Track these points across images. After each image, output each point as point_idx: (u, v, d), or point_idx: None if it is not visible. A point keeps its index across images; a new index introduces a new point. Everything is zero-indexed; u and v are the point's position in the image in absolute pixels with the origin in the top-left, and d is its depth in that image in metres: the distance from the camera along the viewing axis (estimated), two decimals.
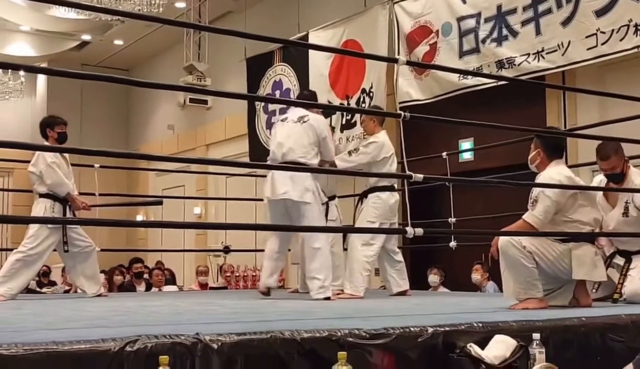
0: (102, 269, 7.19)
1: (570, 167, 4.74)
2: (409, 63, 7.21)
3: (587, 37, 6.36)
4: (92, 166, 6.78)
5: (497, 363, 2.60)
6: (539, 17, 6.78)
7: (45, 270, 10.34)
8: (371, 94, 8.42)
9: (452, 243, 6.60)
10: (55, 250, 5.78)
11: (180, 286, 10.01)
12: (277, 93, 9.81)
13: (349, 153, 5.88)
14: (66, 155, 5.88)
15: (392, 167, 5.79)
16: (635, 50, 6.02)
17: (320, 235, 5.20)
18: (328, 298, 5.02)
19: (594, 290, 4.37)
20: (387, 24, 8.29)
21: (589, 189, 4.35)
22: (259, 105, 10.33)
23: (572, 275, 3.95)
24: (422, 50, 7.97)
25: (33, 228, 5.67)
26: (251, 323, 2.93)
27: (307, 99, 5.79)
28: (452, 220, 6.72)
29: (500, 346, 2.67)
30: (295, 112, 5.52)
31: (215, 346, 2.23)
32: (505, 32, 7.08)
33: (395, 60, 5.16)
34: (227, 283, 8.71)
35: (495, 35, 7.18)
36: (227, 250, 8.37)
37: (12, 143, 3.20)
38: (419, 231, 3.50)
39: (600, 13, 6.26)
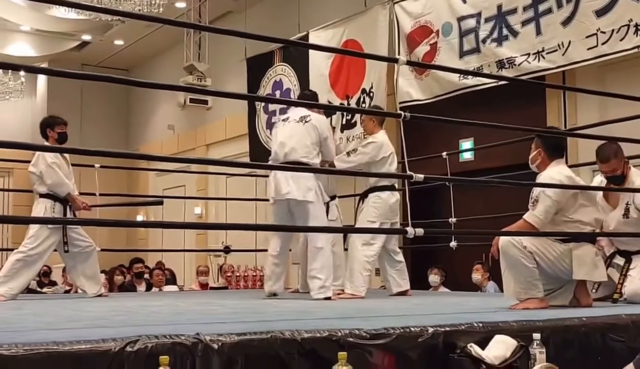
0: (102, 269, 7.19)
1: (570, 166, 4.73)
2: (409, 63, 7.21)
3: (587, 37, 6.36)
4: (93, 166, 6.78)
5: (497, 363, 2.60)
6: (539, 17, 6.78)
7: (45, 270, 10.34)
8: (371, 94, 8.42)
9: (453, 243, 6.59)
10: (55, 250, 5.78)
11: (180, 286, 10.01)
12: (278, 93, 9.81)
13: (348, 153, 5.88)
14: (66, 155, 5.88)
15: (392, 166, 5.78)
16: (636, 50, 6.02)
17: (322, 234, 5.20)
18: (328, 298, 5.02)
19: (593, 290, 4.37)
20: (388, 24, 8.29)
21: (589, 189, 4.35)
22: (259, 105, 10.33)
23: (572, 275, 3.95)
24: (422, 50, 7.97)
25: (33, 228, 5.67)
26: (251, 323, 2.93)
27: (309, 99, 5.78)
28: (452, 220, 6.72)
29: (501, 346, 2.67)
30: (296, 112, 5.51)
31: (215, 346, 2.23)
32: (505, 32, 7.08)
33: (396, 60, 5.16)
34: (228, 283, 8.70)
35: (495, 35, 7.18)
36: (227, 250, 8.36)
37: (13, 143, 3.20)
38: (420, 231, 3.50)
39: (600, 13, 6.26)
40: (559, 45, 6.59)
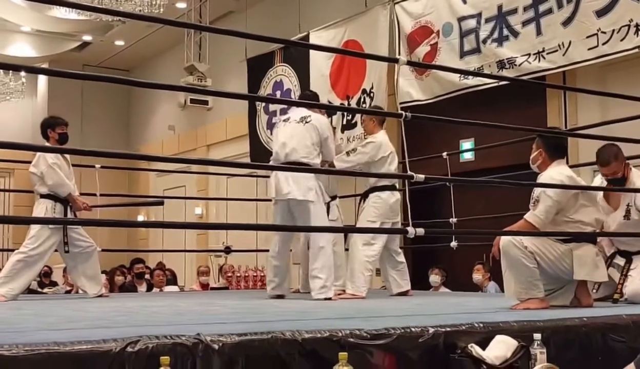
0: (103, 269, 7.19)
1: (571, 167, 4.73)
2: (409, 63, 7.22)
3: (588, 37, 6.36)
4: (93, 166, 6.79)
5: (498, 364, 2.60)
6: (540, 17, 6.78)
7: (46, 271, 10.35)
8: (372, 94, 8.43)
9: (453, 243, 6.59)
10: (56, 251, 5.78)
11: (181, 287, 10.01)
12: (278, 93, 9.81)
13: (347, 153, 5.88)
14: (67, 155, 5.88)
15: (392, 166, 5.77)
16: (636, 50, 6.02)
17: (323, 234, 5.19)
18: (329, 299, 5.02)
19: (594, 290, 4.37)
20: (388, 24, 8.29)
21: (590, 189, 4.34)
22: (260, 106, 10.33)
23: (573, 275, 3.95)
24: (422, 50, 7.97)
25: (34, 228, 5.67)
26: (252, 324, 2.93)
27: (310, 100, 5.78)
28: (453, 220, 6.71)
29: (501, 347, 2.67)
30: (297, 112, 5.51)
31: (216, 346, 2.23)
32: (506, 32, 7.08)
33: (396, 61, 5.16)
34: (228, 283, 8.69)
35: (496, 35, 7.18)
36: (228, 250, 8.37)
37: (13, 143, 3.20)
38: (420, 231, 3.50)
39: (601, 13, 6.26)
40: (559, 45, 6.59)
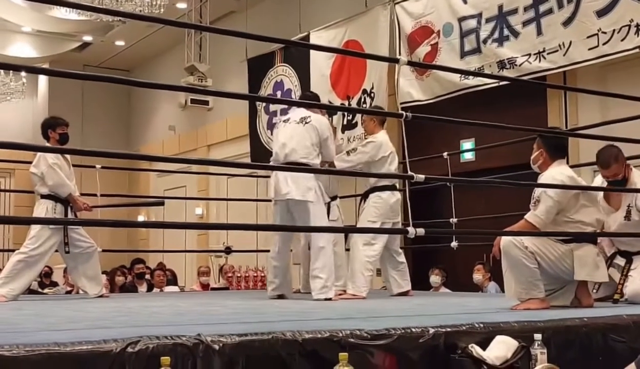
0: (103, 270, 7.19)
1: (571, 167, 4.73)
2: (410, 63, 7.22)
3: (588, 37, 6.36)
4: (94, 167, 6.79)
5: (498, 364, 2.60)
6: (540, 18, 6.78)
7: (47, 271, 10.35)
8: (372, 94, 8.43)
9: (454, 244, 6.59)
10: (56, 251, 5.78)
11: (181, 287, 10.01)
12: (279, 93, 9.81)
13: (347, 153, 5.88)
14: (67, 156, 5.89)
15: (392, 166, 5.77)
16: (637, 50, 6.02)
17: (323, 234, 5.19)
18: (330, 299, 5.02)
19: (594, 290, 4.36)
20: (388, 24, 8.29)
21: (591, 189, 4.34)
22: (260, 106, 10.33)
23: (574, 276, 3.94)
24: (423, 50, 7.97)
25: (35, 229, 5.67)
26: (252, 324, 2.93)
27: (310, 100, 5.78)
28: (453, 220, 6.71)
29: (502, 347, 2.67)
30: (297, 113, 5.51)
31: (216, 347, 2.23)
32: (506, 32, 7.08)
33: (397, 61, 5.16)
34: (229, 283, 8.70)
35: (496, 35, 7.18)
36: (228, 250, 8.36)
37: (14, 144, 3.20)
38: (421, 231, 3.50)
39: (601, 13, 6.26)
40: (559, 45, 6.59)
